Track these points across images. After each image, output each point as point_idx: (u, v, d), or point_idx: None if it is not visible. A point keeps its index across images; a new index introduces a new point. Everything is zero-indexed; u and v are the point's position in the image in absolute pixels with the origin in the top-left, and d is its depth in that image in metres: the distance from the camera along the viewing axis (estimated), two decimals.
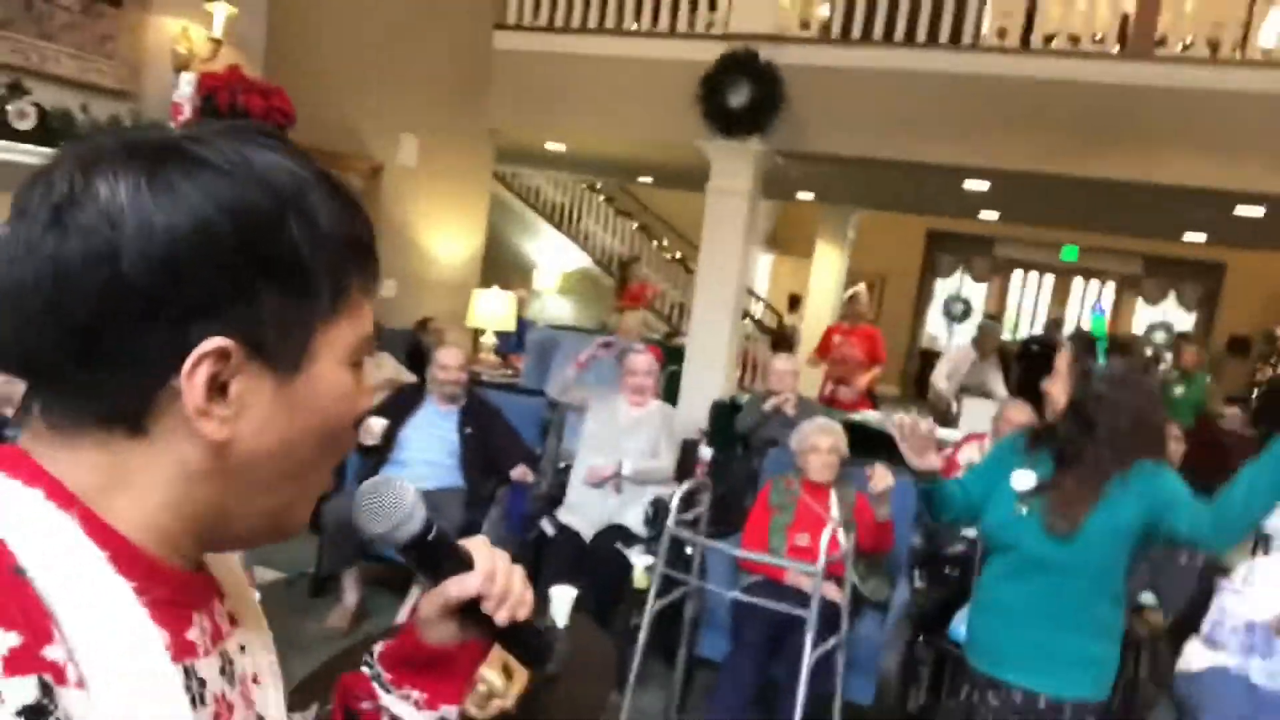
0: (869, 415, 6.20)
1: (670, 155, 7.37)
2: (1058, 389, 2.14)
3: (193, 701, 0.55)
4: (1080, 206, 7.60)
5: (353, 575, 3.89)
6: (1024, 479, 2.17)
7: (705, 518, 3.60)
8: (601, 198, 11.14)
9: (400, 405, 4.11)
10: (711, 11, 6.45)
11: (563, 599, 2.89)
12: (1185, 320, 11.63)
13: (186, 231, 0.52)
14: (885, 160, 6.07)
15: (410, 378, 4.74)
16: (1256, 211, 6.25)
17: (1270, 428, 5.30)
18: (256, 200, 0.55)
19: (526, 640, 0.74)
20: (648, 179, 10.41)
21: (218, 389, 0.54)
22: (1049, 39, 5.74)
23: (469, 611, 0.72)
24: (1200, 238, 8.73)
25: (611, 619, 3.56)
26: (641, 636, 3.15)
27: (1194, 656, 3.10)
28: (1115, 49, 5.64)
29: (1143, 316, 11.94)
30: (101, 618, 0.51)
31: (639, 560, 3.65)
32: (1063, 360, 2.14)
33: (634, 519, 3.86)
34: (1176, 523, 1.98)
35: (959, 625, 3.45)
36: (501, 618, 0.71)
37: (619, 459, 3.92)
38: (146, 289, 0.52)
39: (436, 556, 0.71)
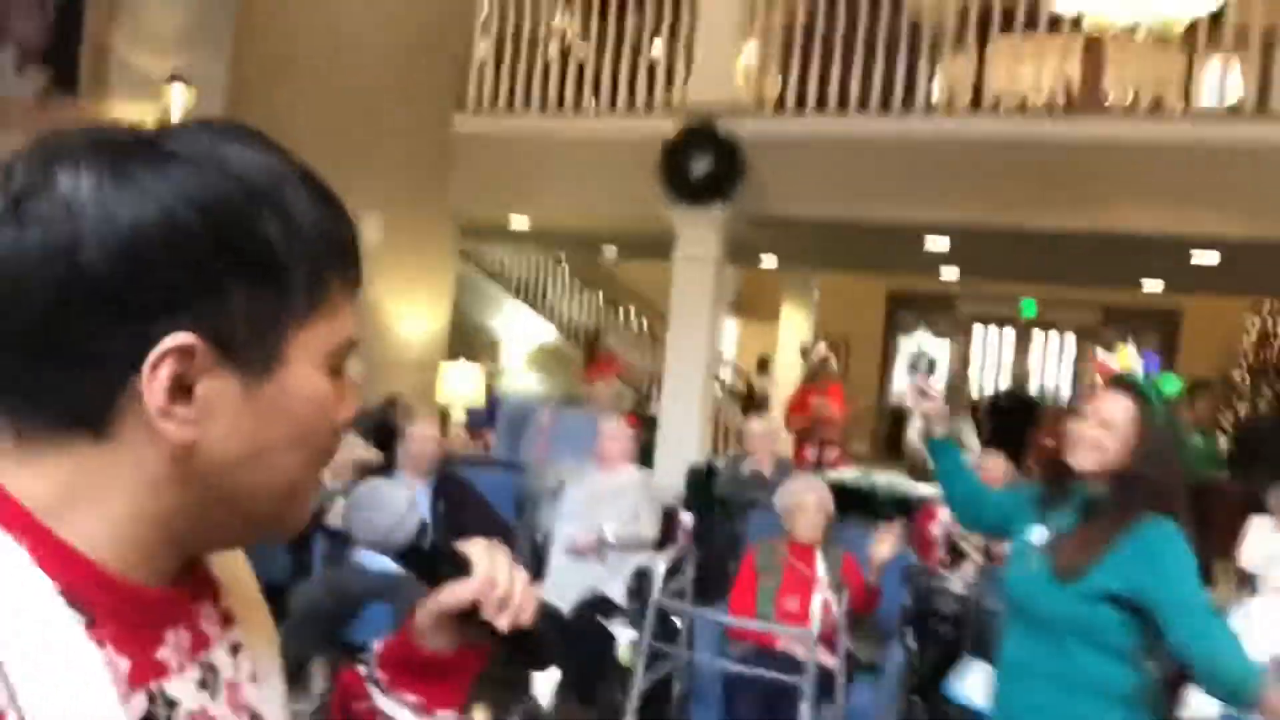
0: (845, 474, 6.18)
1: (634, 226, 7.41)
2: (1111, 441, 2.00)
3: None
4: (1038, 259, 7.73)
5: (321, 664, 3.71)
6: (1040, 534, 2.09)
7: (690, 586, 3.51)
8: (566, 270, 11.17)
9: None
10: (668, 89, 6.56)
11: (545, 680, 2.76)
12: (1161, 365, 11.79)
13: (149, 223, 0.51)
14: (846, 222, 6.14)
15: (377, 456, 4.62)
16: (1211, 258, 6.39)
17: (1248, 467, 5.35)
18: (227, 193, 0.53)
19: (529, 647, 0.72)
20: (612, 250, 10.46)
21: (182, 390, 0.52)
22: (997, 101, 5.89)
23: (469, 617, 0.70)
24: (1157, 285, 8.90)
25: (596, 696, 3.42)
26: (629, 717, 3.01)
27: (1197, 705, 3.02)
28: (1062, 105, 5.80)
29: (1104, 368, 12.11)
30: (45, 659, 0.49)
31: (623, 634, 3.53)
32: (1120, 410, 2.01)
33: (616, 590, 3.75)
34: (1170, 629, 1.87)
35: (955, 685, 3.36)
36: (501, 625, 0.69)
37: (599, 526, 3.82)
38: (106, 282, 0.50)
39: (433, 563, 0.70)
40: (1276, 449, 5.15)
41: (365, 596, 3.62)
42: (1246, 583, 3.92)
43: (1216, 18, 5.30)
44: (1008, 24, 5.77)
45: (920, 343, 12.61)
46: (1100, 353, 11.44)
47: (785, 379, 9.69)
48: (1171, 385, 2.04)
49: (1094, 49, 5.61)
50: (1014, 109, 5.82)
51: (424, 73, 6.68)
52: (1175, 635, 1.85)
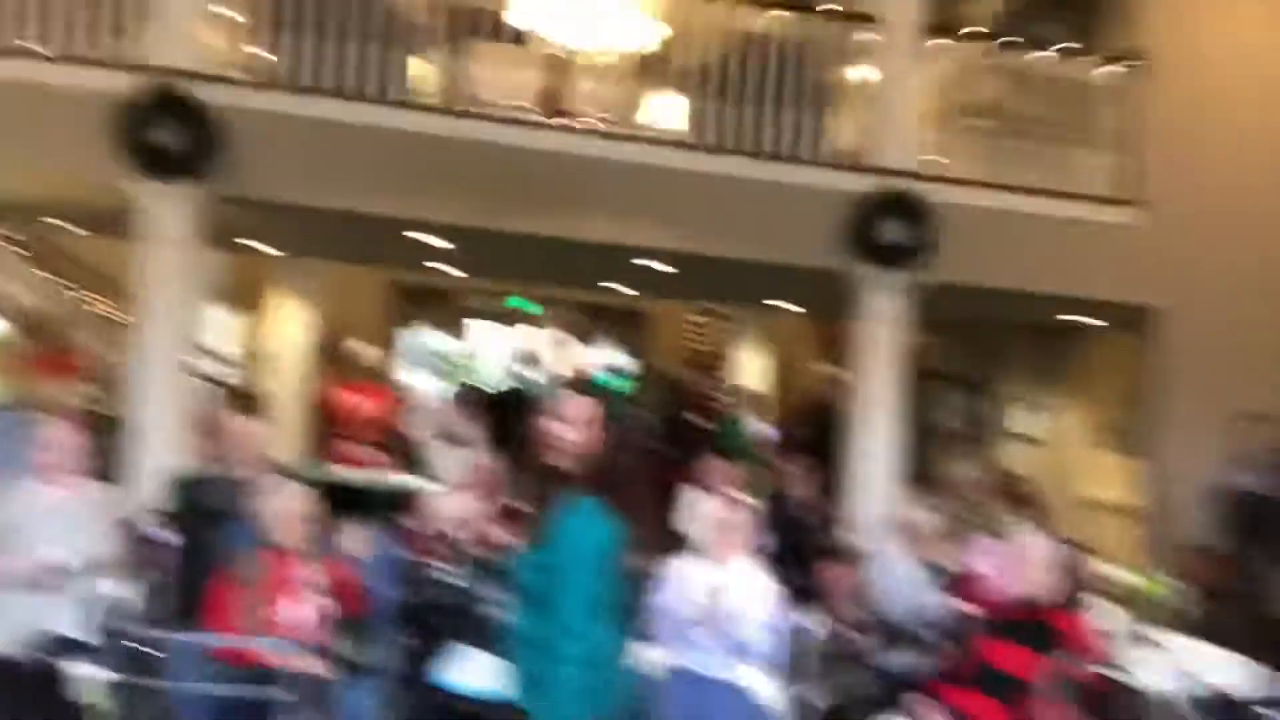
0: (347, 473, 6.06)
1: (90, 198, 6.48)
2: (572, 437, 2.21)
3: None
4: (526, 260, 8.31)
5: None
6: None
7: (166, 609, 3.19)
8: (13, 247, 9.36)
9: None
10: (128, 42, 5.76)
11: None
12: (625, 363, 13.26)
13: None
14: (337, 211, 6.02)
15: None
16: (662, 265, 7.41)
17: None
18: None
19: None
20: (67, 224, 9.00)
21: None
22: (478, 105, 6.17)
23: None
24: (627, 289, 10.08)
25: None
26: None
27: (641, 658, 3.50)
28: (534, 116, 6.28)
29: (585, 362, 13.40)
30: None
31: (86, 673, 3.09)
32: (582, 410, 2.23)
33: (72, 623, 3.26)
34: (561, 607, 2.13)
35: (444, 673, 3.50)
36: None
37: (42, 550, 3.28)
38: None
39: None
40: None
41: None
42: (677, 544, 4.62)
43: (661, 53, 6.12)
44: (485, 30, 6.10)
45: (423, 339, 12.82)
46: (574, 352, 12.68)
47: (284, 375, 9.21)
48: (625, 384, 2.37)
49: (559, 65, 6.15)
50: (492, 114, 6.13)
51: None
52: (561, 613, 2.12)
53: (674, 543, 4.59)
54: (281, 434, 7.84)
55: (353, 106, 5.80)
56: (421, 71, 6.28)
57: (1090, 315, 7.79)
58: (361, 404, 6.37)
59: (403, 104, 5.92)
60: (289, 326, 9.48)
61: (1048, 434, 9.26)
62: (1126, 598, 3.69)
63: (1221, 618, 4.50)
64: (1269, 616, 4.11)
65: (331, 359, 7.05)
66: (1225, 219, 6.71)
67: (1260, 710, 3.25)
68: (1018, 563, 3.38)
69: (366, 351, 6.72)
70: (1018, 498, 4.84)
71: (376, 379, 6.86)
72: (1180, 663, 3.09)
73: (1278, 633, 4.00)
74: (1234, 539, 4.51)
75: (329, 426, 6.47)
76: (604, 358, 12.81)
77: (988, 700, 3.17)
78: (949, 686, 3.32)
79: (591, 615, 2.13)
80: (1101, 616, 3.51)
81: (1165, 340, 6.78)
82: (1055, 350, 9.32)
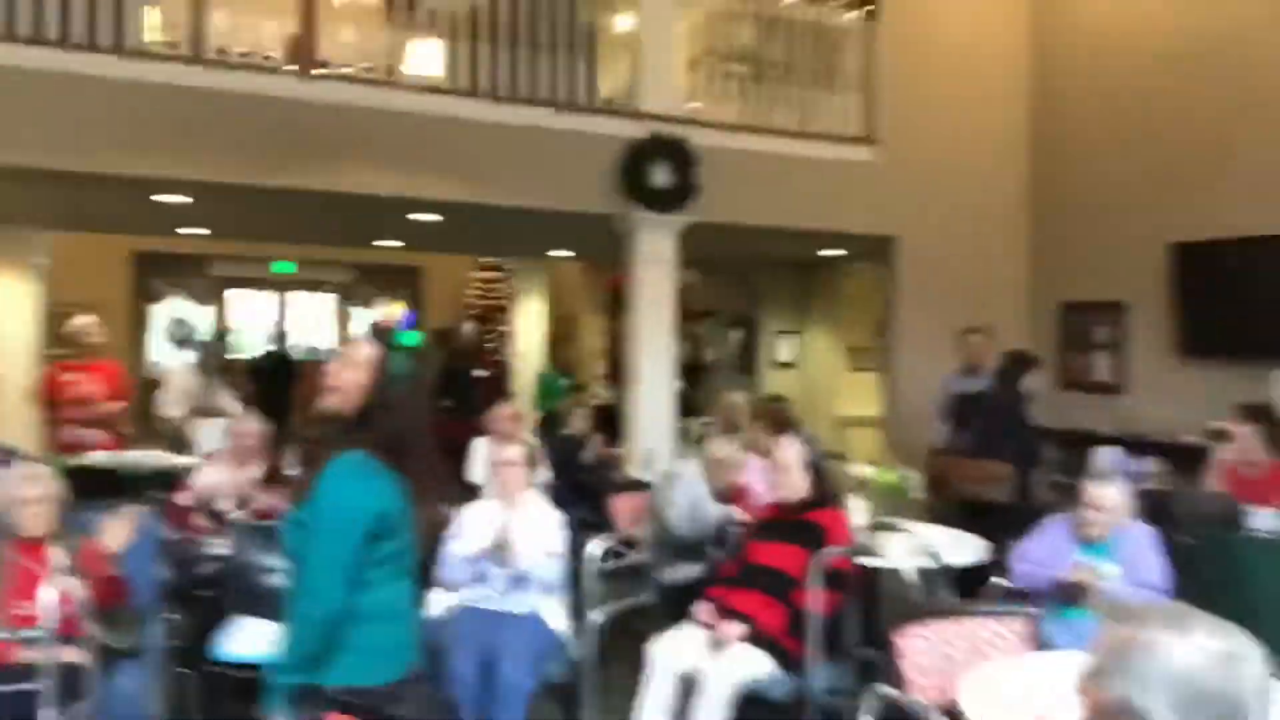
0: (96, 456, 5.62)
1: None
2: (351, 378, 2.13)
3: None
4: (285, 219, 7.86)
5: None
6: None
7: None
8: None
9: None
10: None
11: None
12: (407, 317, 12.91)
13: None
14: (65, 173, 5.43)
15: None
16: (434, 218, 7.24)
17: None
18: None
19: None
20: None
21: None
22: (222, 52, 5.72)
23: None
24: (397, 244, 9.76)
25: None
26: None
27: (434, 604, 3.53)
28: (285, 66, 5.91)
29: (361, 322, 12.96)
30: None
31: None
32: (362, 353, 2.15)
33: None
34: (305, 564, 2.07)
35: (222, 644, 3.36)
36: None
37: None
38: None
39: None
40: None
41: None
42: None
43: None
44: None
45: (175, 309, 11.93)
46: (375, 310, 12.27)
47: (9, 357, 8.29)
48: (410, 338, 2.31)
49: (310, 11, 5.80)
50: (237, 62, 5.69)
51: None
52: (306, 571, 2.07)
53: (466, 494, 4.61)
54: (11, 419, 7.13)
55: (78, 56, 5.20)
56: (158, 17, 5.73)
57: (841, 248, 8.39)
58: (87, 384, 5.96)
59: (138, 53, 5.37)
60: (16, 305, 8.52)
61: (806, 360, 9.98)
62: (872, 492, 4.08)
63: (946, 503, 5.11)
64: (981, 499, 4.70)
65: (59, 337, 6.50)
66: (948, 156, 7.41)
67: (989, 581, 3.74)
68: (777, 471, 3.65)
69: (94, 327, 6.20)
70: (776, 417, 5.20)
71: (107, 356, 6.38)
72: (916, 544, 3.46)
73: (988, 511, 4.59)
74: (956, 436, 5.08)
75: (53, 410, 5.98)
76: (382, 315, 12.45)
77: (761, 597, 3.44)
78: (725, 589, 3.57)
79: (335, 574, 2.04)
80: (851, 510, 3.87)
81: (900, 267, 7.44)
82: (811, 282, 10.02)
